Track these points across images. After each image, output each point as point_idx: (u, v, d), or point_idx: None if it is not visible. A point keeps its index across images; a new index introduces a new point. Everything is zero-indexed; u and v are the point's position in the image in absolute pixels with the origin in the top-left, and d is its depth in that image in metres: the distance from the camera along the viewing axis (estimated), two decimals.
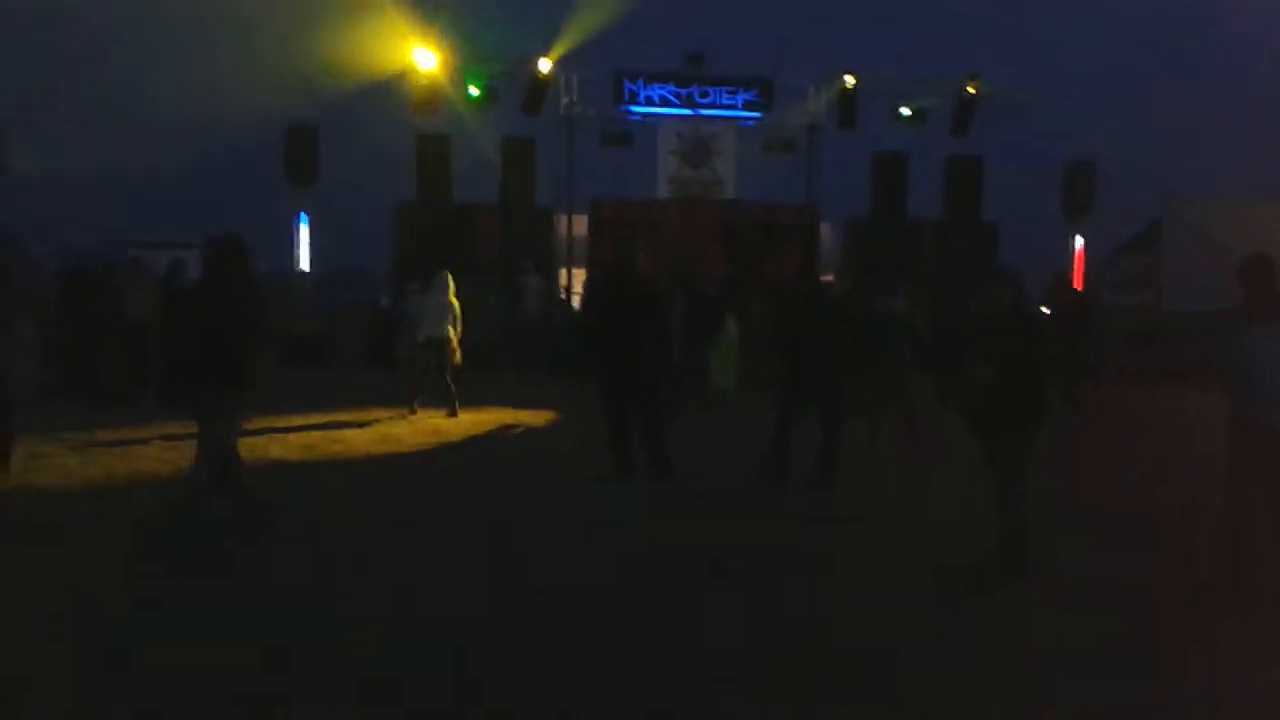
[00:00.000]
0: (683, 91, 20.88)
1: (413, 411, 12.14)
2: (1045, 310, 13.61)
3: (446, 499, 7.84)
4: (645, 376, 8.49)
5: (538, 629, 4.89)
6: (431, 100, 20.04)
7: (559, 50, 20.28)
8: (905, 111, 21.59)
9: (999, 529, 5.77)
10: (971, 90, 21.39)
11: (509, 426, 11.84)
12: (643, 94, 20.77)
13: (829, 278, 14.84)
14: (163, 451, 9.28)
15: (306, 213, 19.42)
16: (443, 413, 12.11)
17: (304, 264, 19.32)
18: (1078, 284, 19.06)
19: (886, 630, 4.95)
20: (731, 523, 7.12)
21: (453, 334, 12.10)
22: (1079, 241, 21.68)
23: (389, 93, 20.33)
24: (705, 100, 20.95)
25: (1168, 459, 10.04)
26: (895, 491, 8.37)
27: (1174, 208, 22.02)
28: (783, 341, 8.64)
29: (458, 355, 12.25)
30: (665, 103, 20.88)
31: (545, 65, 20.22)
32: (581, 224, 20.41)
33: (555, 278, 20.43)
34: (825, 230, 21.49)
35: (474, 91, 20.25)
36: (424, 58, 19.66)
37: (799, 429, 8.37)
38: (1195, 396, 14.11)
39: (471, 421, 11.93)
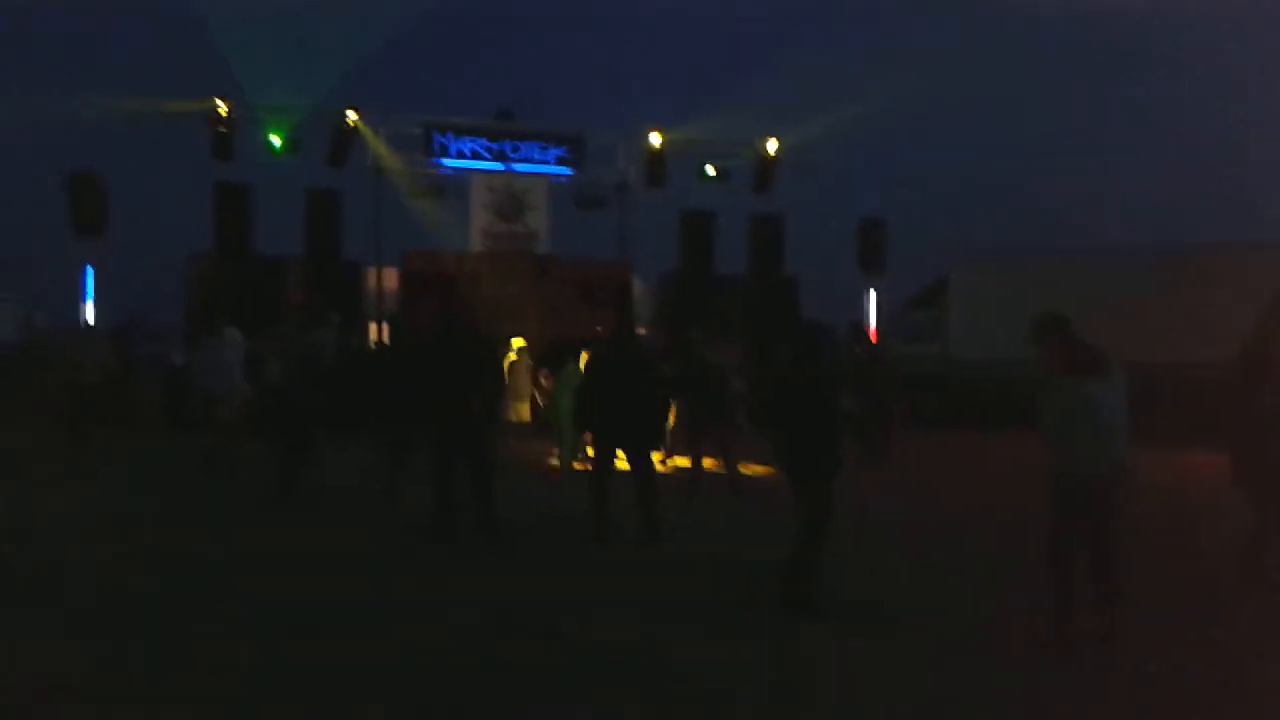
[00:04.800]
0: (494, 146, 20.91)
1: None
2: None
3: None
4: (480, 430, 8.38)
5: None
6: (230, 148, 19.23)
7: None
8: (710, 171, 22.32)
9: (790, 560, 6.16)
10: (770, 151, 22.36)
11: None
12: (454, 147, 20.67)
13: (643, 331, 15.14)
14: None
15: (93, 264, 18.11)
16: None
17: (89, 317, 17.97)
18: (872, 336, 20.08)
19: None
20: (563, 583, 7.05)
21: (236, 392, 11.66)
22: (873, 295, 22.92)
23: (185, 138, 19.36)
24: (517, 155, 21.04)
25: (980, 504, 10.55)
26: (724, 540, 8.50)
27: (961, 264, 23.56)
28: (599, 397, 8.67)
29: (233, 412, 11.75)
30: (477, 156, 20.83)
31: (352, 116, 19.81)
32: (392, 277, 20.00)
33: (365, 331, 19.85)
34: (638, 285, 21.89)
35: (276, 142, 19.57)
36: (221, 103, 18.87)
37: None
38: (983, 441, 15.11)
39: None
